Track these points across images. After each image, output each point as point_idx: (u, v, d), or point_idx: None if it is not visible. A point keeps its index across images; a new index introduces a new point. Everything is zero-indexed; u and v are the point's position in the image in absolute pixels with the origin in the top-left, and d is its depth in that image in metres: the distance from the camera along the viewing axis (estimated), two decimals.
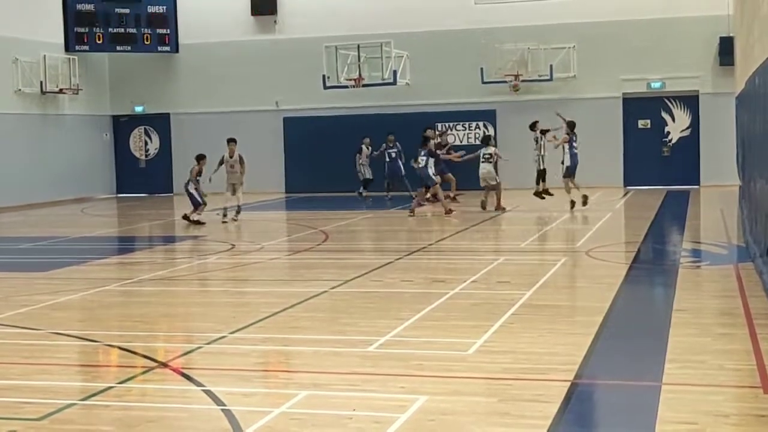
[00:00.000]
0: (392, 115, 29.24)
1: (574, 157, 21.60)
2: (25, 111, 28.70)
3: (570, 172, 21.61)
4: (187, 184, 21.24)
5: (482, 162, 22.82)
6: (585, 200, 21.49)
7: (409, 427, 6.08)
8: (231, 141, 21.68)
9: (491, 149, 22.92)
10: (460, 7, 29.31)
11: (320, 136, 30.10)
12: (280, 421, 6.29)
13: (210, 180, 20.77)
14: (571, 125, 21.95)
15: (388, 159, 25.84)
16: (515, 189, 28.28)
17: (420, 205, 21.97)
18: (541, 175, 22.94)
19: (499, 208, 22.11)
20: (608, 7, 28.25)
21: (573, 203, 21.38)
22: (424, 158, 21.58)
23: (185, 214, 21.27)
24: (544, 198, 22.66)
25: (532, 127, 23.31)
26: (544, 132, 22.90)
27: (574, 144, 21.75)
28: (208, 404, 6.76)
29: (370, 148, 26.86)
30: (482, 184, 22.67)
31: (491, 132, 29.29)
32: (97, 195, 31.65)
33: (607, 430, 6.26)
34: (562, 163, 21.68)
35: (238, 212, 21.26)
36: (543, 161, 22.91)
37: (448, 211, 21.29)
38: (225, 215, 21.20)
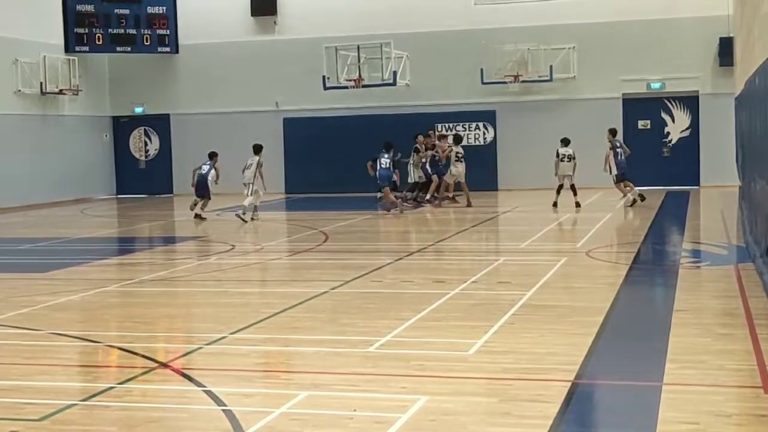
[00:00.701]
0: (392, 116, 29.24)
1: (620, 164, 22.59)
2: (25, 112, 28.70)
3: (621, 179, 22.63)
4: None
5: (456, 161, 23.57)
6: (641, 198, 22.54)
7: (409, 427, 6.08)
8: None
9: (460, 149, 23.75)
10: (460, 8, 29.32)
11: (320, 137, 30.10)
12: (281, 421, 6.28)
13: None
14: (613, 132, 23.13)
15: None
16: (516, 190, 28.33)
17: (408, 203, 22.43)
18: (573, 189, 22.65)
19: (463, 204, 23.25)
20: (608, 7, 28.25)
21: (635, 200, 22.33)
22: (387, 161, 22.61)
23: (197, 213, 21.88)
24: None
25: (567, 142, 22.85)
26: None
27: (618, 150, 22.64)
28: (208, 405, 6.76)
29: (399, 154, 26.44)
30: (454, 181, 23.65)
31: (491, 133, 29.36)
32: (97, 196, 31.65)
33: (608, 431, 6.25)
34: (610, 172, 22.65)
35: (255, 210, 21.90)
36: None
37: (388, 210, 22.37)
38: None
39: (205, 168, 22.38)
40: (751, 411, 6.30)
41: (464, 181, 23.74)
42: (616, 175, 22.67)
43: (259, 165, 21.57)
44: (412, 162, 24.42)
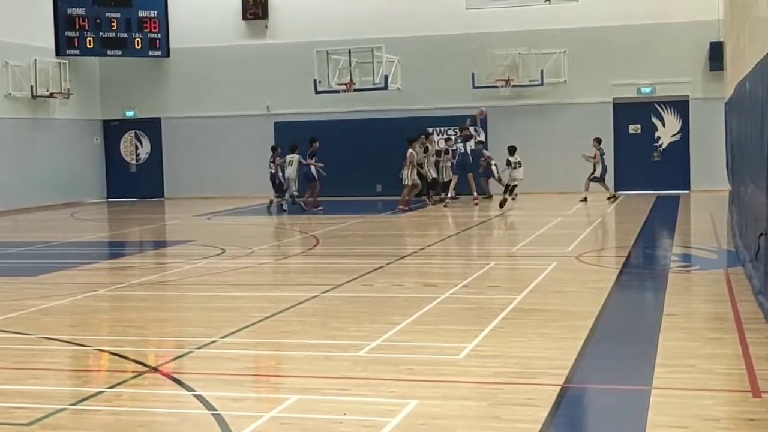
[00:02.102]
0: (383, 120, 29.26)
1: (605, 168, 25.30)
2: (15, 115, 28.64)
3: (597, 180, 25.03)
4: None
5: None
6: (613, 198, 24.90)
7: None
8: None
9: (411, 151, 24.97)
10: (451, 13, 29.34)
11: (310, 141, 30.05)
12: (271, 425, 6.28)
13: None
14: (599, 140, 25.37)
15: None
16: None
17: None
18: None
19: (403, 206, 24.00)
20: (598, 12, 28.30)
21: (586, 198, 24.62)
22: (310, 159, 25.01)
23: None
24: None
25: (512, 151, 24.38)
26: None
27: (603, 156, 25.27)
28: (198, 409, 6.75)
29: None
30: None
31: (482, 137, 29.37)
32: (88, 199, 31.59)
33: None
34: (594, 171, 25.11)
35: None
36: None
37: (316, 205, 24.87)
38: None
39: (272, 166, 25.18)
40: (740, 415, 6.32)
41: (405, 183, 24.54)
42: (595, 176, 24.96)
43: (300, 162, 24.67)
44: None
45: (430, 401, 6.70)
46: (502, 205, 23.35)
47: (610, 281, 12.12)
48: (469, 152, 25.20)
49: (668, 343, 8.37)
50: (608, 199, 24.75)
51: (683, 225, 19.89)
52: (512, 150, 24.25)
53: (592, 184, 25.01)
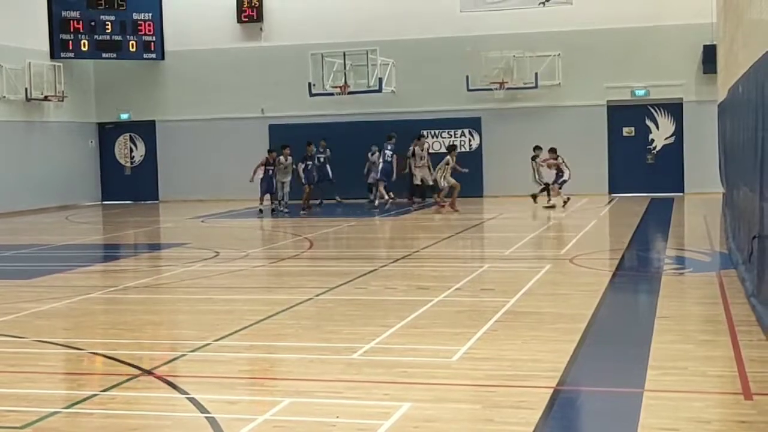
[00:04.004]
0: (378, 123, 29.27)
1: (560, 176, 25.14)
2: (10, 118, 28.62)
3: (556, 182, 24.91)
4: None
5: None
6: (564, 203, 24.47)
7: None
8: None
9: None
10: (445, 15, 29.39)
11: (306, 144, 30.07)
12: (264, 428, 6.30)
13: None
14: (554, 150, 24.97)
15: (318, 163, 27.02)
16: (501, 197, 28.39)
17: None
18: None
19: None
20: (593, 15, 28.37)
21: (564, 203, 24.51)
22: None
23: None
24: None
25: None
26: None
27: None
28: (192, 412, 6.77)
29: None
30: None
31: (477, 140, 29.42)
32: (82, 202, 31.57)
33: None
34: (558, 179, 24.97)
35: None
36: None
37: (308, 207, 25.75)
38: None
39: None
40: (731, 417, 6.35)
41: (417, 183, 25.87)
42: (564, 181, 24.58)
43: (281, 162, 25.51)
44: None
45: (424, 404, 6.72)
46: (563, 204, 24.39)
47: (604, 284, 12.15)
48: (393, 160, 25.96)
49: (661, 345, 8.40)
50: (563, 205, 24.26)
51: (677, 228, 19.94)
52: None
53: (557, 188, 24.60)
